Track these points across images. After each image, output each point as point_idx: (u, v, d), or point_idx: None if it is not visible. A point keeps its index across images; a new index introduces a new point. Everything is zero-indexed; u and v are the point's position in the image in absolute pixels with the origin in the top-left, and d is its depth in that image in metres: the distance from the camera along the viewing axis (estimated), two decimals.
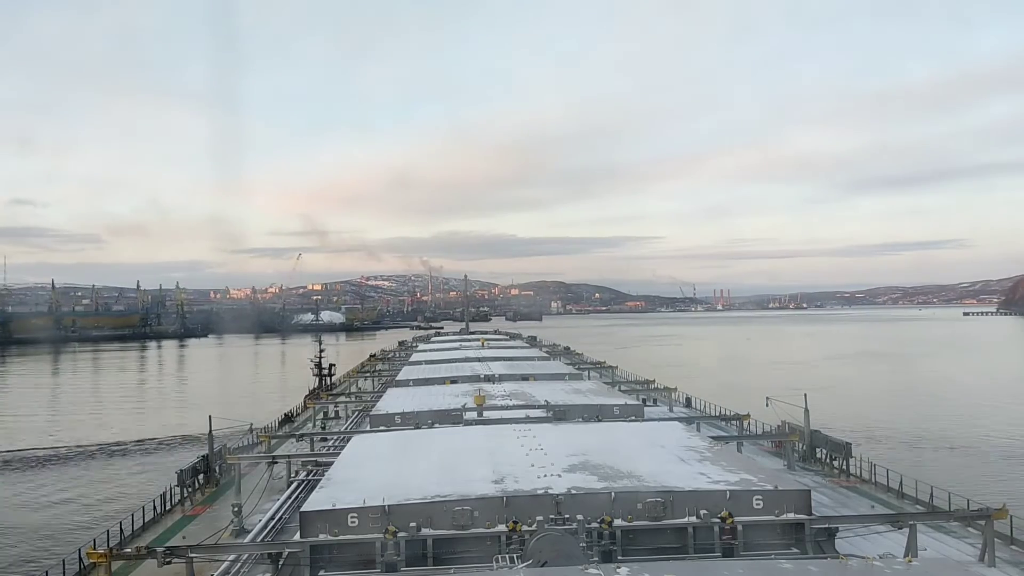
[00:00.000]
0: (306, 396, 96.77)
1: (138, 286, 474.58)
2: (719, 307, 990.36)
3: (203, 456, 46.76)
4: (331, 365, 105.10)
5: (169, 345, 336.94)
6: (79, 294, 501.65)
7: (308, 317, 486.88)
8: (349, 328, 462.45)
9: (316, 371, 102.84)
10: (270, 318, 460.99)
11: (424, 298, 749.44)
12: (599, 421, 48.45)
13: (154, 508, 39.96)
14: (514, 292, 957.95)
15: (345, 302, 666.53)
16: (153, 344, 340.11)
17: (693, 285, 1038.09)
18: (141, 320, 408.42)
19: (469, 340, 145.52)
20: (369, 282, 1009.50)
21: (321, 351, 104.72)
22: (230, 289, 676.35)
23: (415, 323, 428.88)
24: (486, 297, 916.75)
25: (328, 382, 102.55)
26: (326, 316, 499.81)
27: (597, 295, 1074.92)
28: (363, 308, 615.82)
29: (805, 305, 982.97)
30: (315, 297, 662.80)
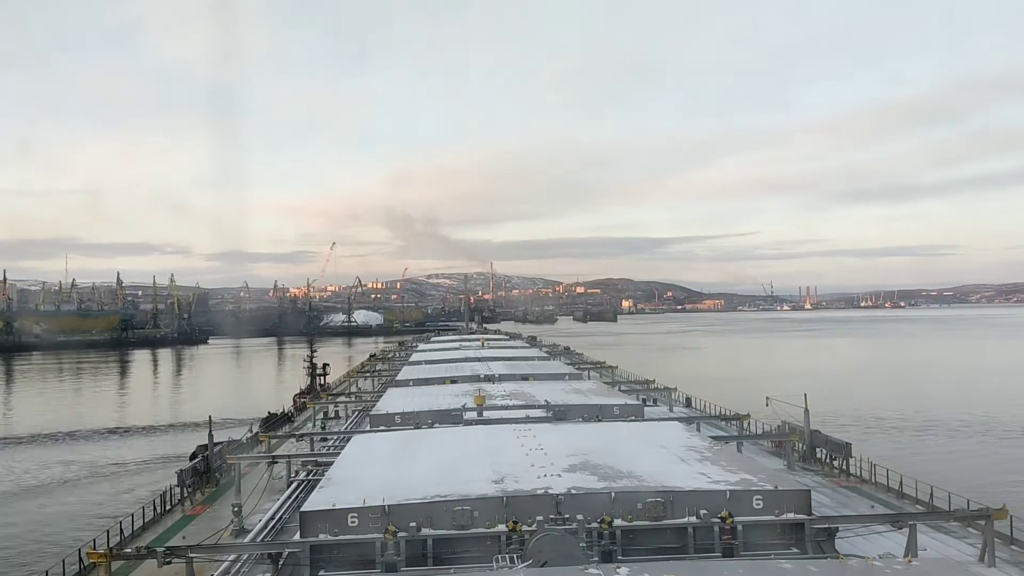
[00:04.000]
0: (296, 395, 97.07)
1: (118, 280, 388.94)
2: (807, 306, 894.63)
3: (203, 456, 46.74)
4: (325, 365, 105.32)
5: (146, 357, 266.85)
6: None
7: (340, 318, 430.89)
8: (387, 331, 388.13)
9: (309, 371, 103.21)
10: (294, 319, 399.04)
11: (485, 296, 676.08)
12: (599, 421, 48.43)
13: (154, 508, 39.93)
14: (580, 290, 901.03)
15: (402, 299, 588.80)
16: (135, 354, 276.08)
17: (771, 282, 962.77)
18: (123, 323, 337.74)
19: (469, 340, 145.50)
20: (430, 280, 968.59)
21: (313, 351, 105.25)
22: (248, 285, 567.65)
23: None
24: (550, 295, 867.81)
25: (323, 381, 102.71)
26: (361, 317, 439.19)
27: (669, 293, 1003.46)
28: (403, 307, 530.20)
29: (903, 304, 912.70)
30: (374, 295, 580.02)
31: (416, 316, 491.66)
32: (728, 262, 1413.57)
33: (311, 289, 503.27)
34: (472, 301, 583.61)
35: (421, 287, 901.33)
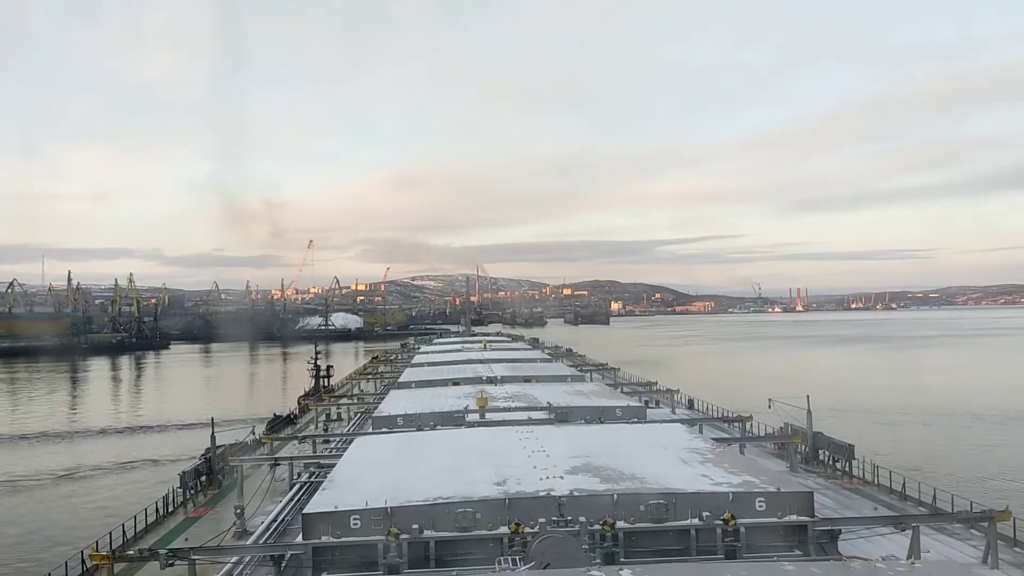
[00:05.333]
0: (300, 397, 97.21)
1: (68, 279, 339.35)
2: (798, 308, 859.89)
3: (206, 458, 46.79)
4: (329, 367, 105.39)
5: (93, 366, 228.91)
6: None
7: (315, 320, 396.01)
8: (367, 335, 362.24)
9: (313, 373, 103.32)
10: (268, 321, 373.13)
11: (472, 299, 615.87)
12: (601, 423, 48.43)
13: (156, 510, 39.93)
14: (567, 292, 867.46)
15: (385, 301, 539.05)
16: (77, 362, 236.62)
17: (759, 284, 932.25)
18: (73, 327, 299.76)
19: (471, 342, 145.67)
20: (415, 282, 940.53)
21: (317, 353, 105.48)
22: (218, 287, 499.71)
23: (456, 327, 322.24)
24: (537, 297, 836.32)
25: (327, 383, 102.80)
26: (339, 320, 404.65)
27: (658, 295, 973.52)
28: (385, 309, 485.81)
29: (895, 305, 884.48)
30: (360, 297, 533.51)
31: (399, 319, 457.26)
32: (709, 265, 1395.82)
33: (294, 291, 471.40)
34: (458, 303, 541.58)
35: (406, 289, 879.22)
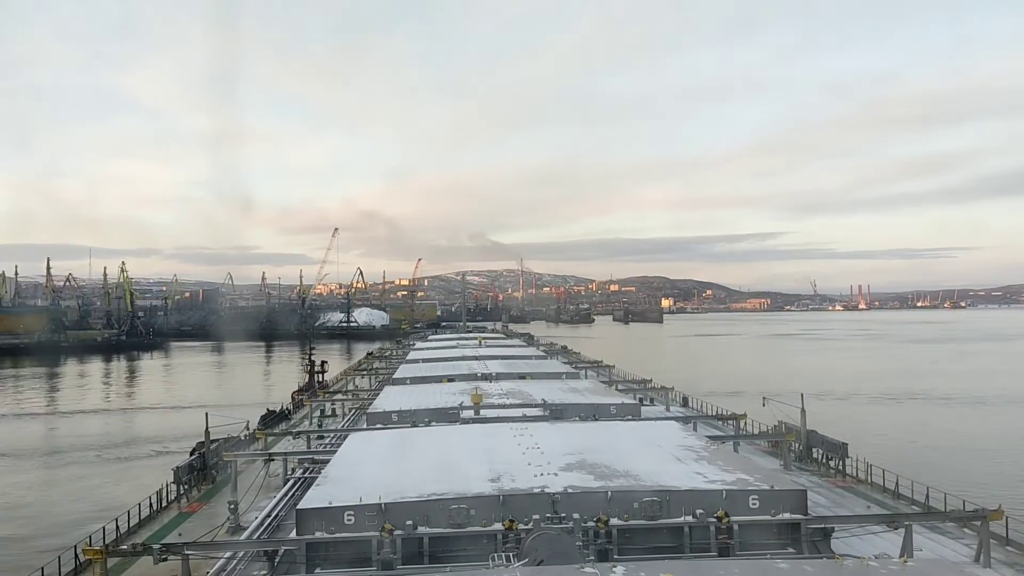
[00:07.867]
0: (294, 392, 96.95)
1: (48, 268, 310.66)
2: (861, 306, 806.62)
3: (200, 453, 46.70)
4: (323, 362, 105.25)
5: (56, 374, 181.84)
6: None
7: (337, 317, 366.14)
8: (394, 333, 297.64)
9: (307, 368, 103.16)
10: (285, 318, 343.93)
11: (515, 294, 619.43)
12: (596, 420, 48.48)
13: (150, 505, 39.89)
14: (614, 288, 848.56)
15: (429, 297, 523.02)
16: (66, 365, 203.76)
17: (814, 280, 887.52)
18: (53, 322, 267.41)
19: (466, 338, 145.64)
20: (458, 276, 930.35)
21: (312, 348, 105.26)
22: (232, 279, 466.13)
23: (494, 323, 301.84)
24: (583, 293, 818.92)
25: (321, 379, 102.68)
26: (363, 316, 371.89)
27: (709, 292, 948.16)
28: (416, 304, 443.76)
29: (963, 304, 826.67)
30: (400, 292, 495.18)
31: (430, 314, 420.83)
32: (754, 263, 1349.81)
33: (337, 284, 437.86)
34: (500, 299, 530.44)
35: (450, 284, 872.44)
